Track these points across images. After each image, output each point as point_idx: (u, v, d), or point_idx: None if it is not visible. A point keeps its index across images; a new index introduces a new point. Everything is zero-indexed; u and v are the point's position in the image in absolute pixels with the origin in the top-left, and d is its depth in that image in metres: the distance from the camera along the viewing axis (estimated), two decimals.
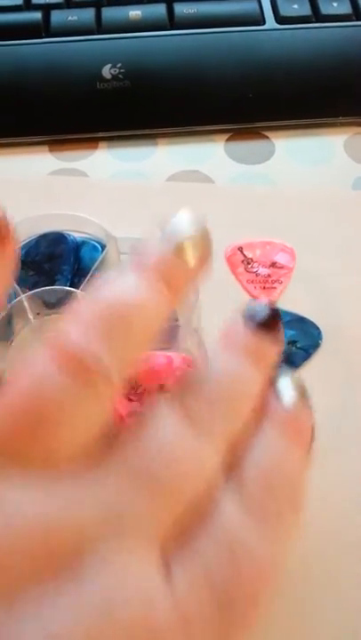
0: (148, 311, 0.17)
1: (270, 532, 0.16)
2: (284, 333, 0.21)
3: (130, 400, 0.27)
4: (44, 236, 0.35)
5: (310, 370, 0.32)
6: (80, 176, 0.41)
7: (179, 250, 0.18)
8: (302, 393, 0.19)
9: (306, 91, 0.42)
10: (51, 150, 0.42)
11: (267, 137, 0.42)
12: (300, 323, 0.33)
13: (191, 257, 0.19)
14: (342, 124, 0.43)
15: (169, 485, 0.15)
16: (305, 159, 0.42)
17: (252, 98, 0.42)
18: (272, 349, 0.19)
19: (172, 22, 0.43)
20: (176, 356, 0.29)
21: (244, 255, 0.35)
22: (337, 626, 0.26)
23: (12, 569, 0.13)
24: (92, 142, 0.42)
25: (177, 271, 0.18)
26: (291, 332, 0.33)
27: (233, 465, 0.17)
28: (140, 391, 0.27)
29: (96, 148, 0.42)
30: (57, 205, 0.37)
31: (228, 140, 0.42)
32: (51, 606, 0.13)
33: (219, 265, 0.35)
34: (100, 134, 0.42)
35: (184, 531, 0.15)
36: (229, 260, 0.35)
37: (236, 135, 0.42)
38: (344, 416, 0.31)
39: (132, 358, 0.17)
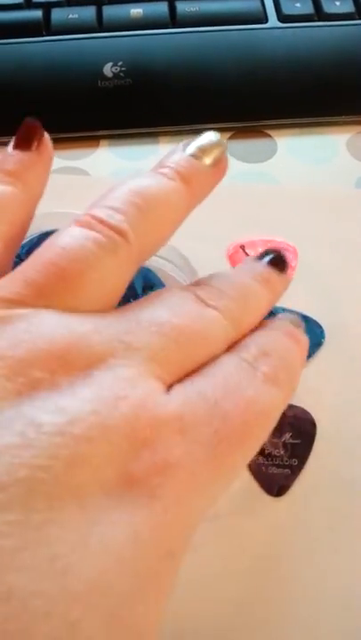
0: (167, 199, 0.19)
1: (264, 383, 0.17)
2: None
3: None
4: (45, 235, 0.35)
5: (313, 368, 0.32)
6: (81, 174, 0.40)
7: (197, 152, 0.21)
8: (299, 322, 0.21)
9: (308, 89, 0.42)
10: None
11: (269, 135, 0.42)
12: (303, 321, 0.33)
13: (208, 157, 0.21)
14: (345, 123, 0.43)
15: (172, 332, 0.17)
16: (307, 158, 0.41)
17: (255, 96, 0.42)
18: (281, 281, 0.21)
19: (174, 20, 0.43)
20: None
21: (247, 253, 0.35)
22: (337, 625, 0.26)
23: (33, 366, 0.15)
24: (93, 141, 0.42)
25: (195, 170, 0.21)
26: None
27: (236, 343, 0.19)
28: None
29: (97, 146, 0.42)
30: (58, 204, 0.36)
31: (230, 138, 0.42)
32: (62, 394, 0.15)
33: (221, 263, 0.35)
34: (102, 133, 0.42)
35: (185, 374, 0.17)
36: (231, 259, 0.35)
37: (239, 134, 0.42)
38: (347, 414, 0.30)
39: (152, 238, 0.19)
